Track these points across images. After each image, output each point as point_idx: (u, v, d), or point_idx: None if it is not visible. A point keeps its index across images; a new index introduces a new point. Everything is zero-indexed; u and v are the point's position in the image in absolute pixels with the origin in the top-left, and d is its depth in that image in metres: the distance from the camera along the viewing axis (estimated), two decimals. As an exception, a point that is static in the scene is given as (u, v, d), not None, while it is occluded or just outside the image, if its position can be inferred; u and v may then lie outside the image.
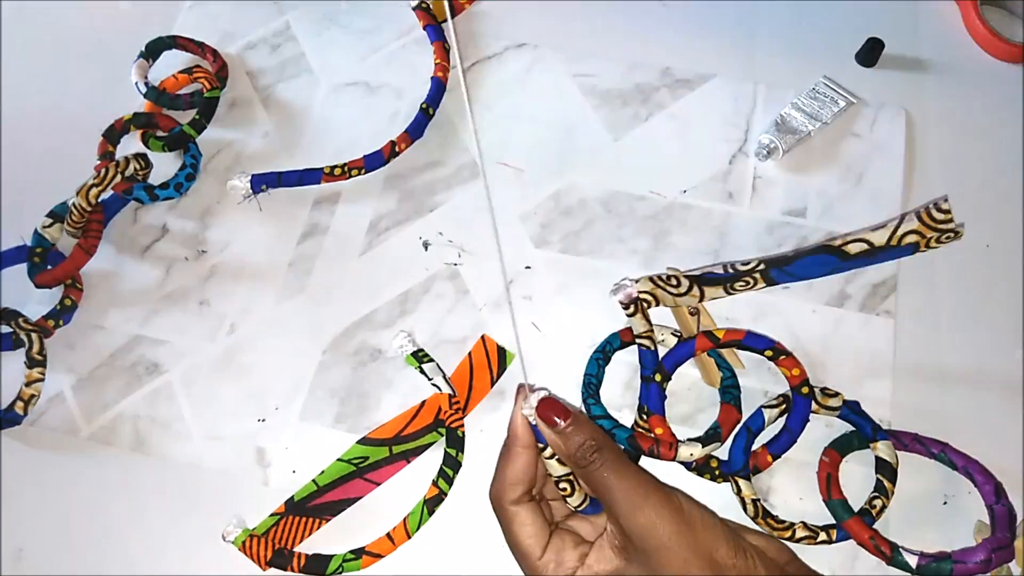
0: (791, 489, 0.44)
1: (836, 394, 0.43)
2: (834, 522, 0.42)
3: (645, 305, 0.39)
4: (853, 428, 0.44)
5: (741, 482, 0.42)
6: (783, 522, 0.42)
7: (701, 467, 0.43)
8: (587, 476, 0.34)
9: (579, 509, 0.36)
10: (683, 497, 0.34)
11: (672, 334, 0.46)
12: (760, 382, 0.47)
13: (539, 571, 0.34)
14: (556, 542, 0.35)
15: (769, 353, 0.42)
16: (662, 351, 0.42)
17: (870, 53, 0.56)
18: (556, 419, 0.34)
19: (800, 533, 0.42)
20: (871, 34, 0.56)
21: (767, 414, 0.43)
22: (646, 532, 0.32)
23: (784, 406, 0.43)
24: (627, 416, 0.46)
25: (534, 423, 0.35)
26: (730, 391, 0.44)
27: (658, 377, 0.40)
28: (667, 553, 0.32)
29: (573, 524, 0.37)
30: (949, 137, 0.55)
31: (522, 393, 0.36)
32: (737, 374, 0.45)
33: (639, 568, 0.33)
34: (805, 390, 0.42)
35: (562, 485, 0.36)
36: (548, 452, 0.35)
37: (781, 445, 0.42)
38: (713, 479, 0.43)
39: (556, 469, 0.36)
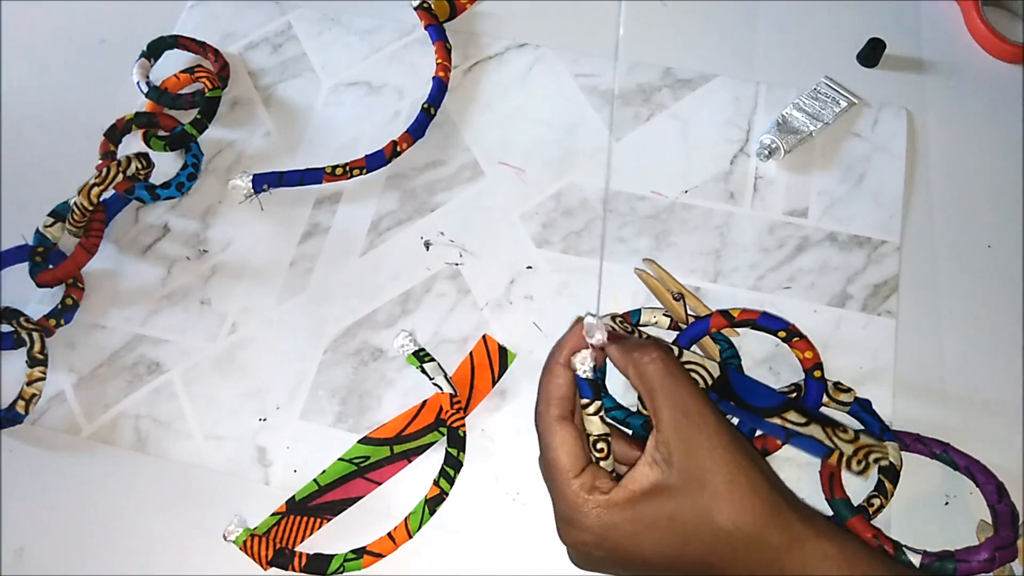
0: (793, 488, 0.44)
1: (849, 389, 0.43)
2: (830, 514, 0.42)
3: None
4: (857, 428, 0.44)
5: None
6: None
7: None
8: (644, 375, 0.34)
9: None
10: None
11: (664, 315, 0.46)
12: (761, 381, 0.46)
13: (572, 488, 0.34)
14: (595, 469, 0.34)
15: (783, 334, 0.42)
16: (656, 332, 0.42)
17: (872, 53, 0.56)
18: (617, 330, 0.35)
19: None
20: (872, 34, 0.56)
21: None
22: (704, 433, 0.32)
23: (795, 395, 0.44)
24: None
25: (582, 375, 0.35)
26: (730, 362, 0.45)
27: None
28: (722, 456, 0.31)
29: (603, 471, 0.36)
30: (950, 137, 0.55)
31: (579, 324, 0.35)
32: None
33: (683, 477, 0.32)
34: (818, 374, 0.42)
35: (599, 446, 0.35)
36: (592, 409, 0.35)
37: None
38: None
39: (597, 427, 0.35)
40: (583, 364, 0.35)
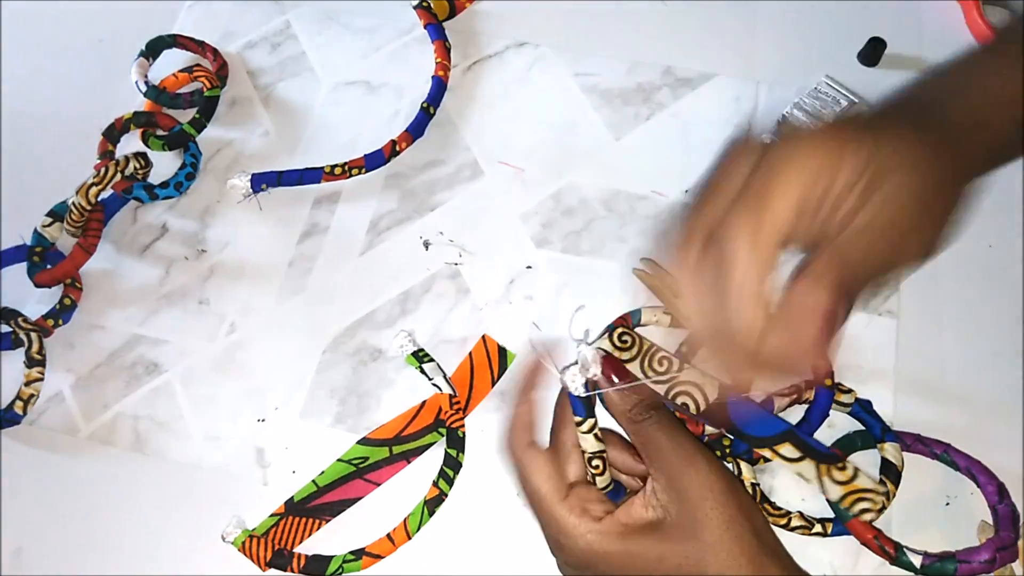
0: (793, 489, 0.44)
1: (849, 391, 0.44)
2: (831, 515, 0.42)
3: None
4: (856, 429, 0.44)
5: (743, 464, 0.42)
6: (780, 509, 0.42)
7: (712, 443, 0.43)
8: (639, 432, 0.34)
9: (604, 491, 0.36)
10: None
11: (665, 313, 0.46)
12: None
13: (561, 512, 0.34)
14: (581, 491, 0.35)
15: None
16: (658, 330, 0.42)
17: (872, 53, 0.56)
18: (614, 377, 0.34)
19: (795, 522, 0.42)
20: (873, 33, 0.56)
21: (778, 402, 0.43)
22: (698, 484, 0.32)
23: (795, 396, 0.43)
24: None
25: (573, 392, 0.34)
26: None
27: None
28: (715, 508, 0.32)
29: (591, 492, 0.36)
30: (951, 137, 0.54)
31: (537, 350, 0.35)
32: None
33: (678, 522, 0.32)
34: (828, 382, 0.42)
35: (595, 463, 0.35)
36: (586, 427, 0.35)
37: None
38: (722, 457, 0.43)
39: (592, 445, 0.35)
40: (574, 382, 0.35)
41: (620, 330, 0.37)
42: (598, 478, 0.35)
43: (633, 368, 0.36)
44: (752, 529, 0.32)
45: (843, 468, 0.35)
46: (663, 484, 0.33)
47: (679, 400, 0.36)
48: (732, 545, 0.31)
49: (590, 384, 0.34)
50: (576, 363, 0.35)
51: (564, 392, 0.35)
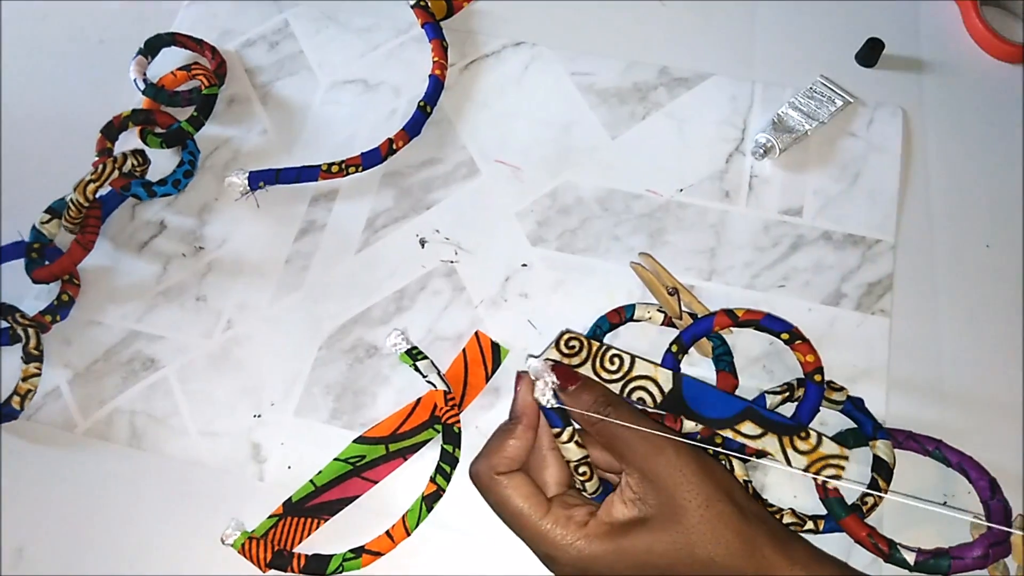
0: (786, 487, 0.44)
1: (841, 388, 0.44)
2: (824, 512, 0.42)
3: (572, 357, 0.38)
4: (848, 426, 0.44)
5: (735, 461, 0.42)
6: (772, 506, 0.42)
7: (705, 439, 0.43)
8: (601, 431, 0.34)
9: (594, 496, 0.36)
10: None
11: (658, 311, 0.46)
12: (755, 379, 0.47)
13: (545, 527, 0.34)
14: (561, 501, 0.35)
15: (786, 336, 0.43)
16: (650, 327, 0.42)
17: (870, 53, 0.56)
18: (567, 383, 0.35)
19: (787, 519, 0.42)
20: (871, 34, 0.56)
21: (770, 400, 0.43)
22: (670, 470, 0.32)
23: (787, 394, 0.44)
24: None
25: (546, 404, 0.35)
26: (723, 359, 0.45)
27: (674, 348, 0.42)
28: (690, 490, 0.32)
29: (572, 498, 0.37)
30: (949, 137, 0.54)
31: (525, 378, 0.36)
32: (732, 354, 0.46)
33: (658, 511, 0.33)
34: (818, 378, 0.42)
35: (581, 469, 0.35)
36: (565, 436, 0.35)
37: None
38: (715, 455, 0.43)
39: (574, 453, 0.35)
40: (544, 395, 0.35)
41: (567, 336, 0.37)
42: (587, 483, 0.36)
43: (585, 371, 0.37)
44: (732, 502, 0.32)
45: (806, 437, 0.35)
46: (636, 477, 0.33)
47: (635, 396, 0.36)
48: (715, 522, 0.32)
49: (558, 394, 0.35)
50: (542, 358, 0.35)
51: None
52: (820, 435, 0.36)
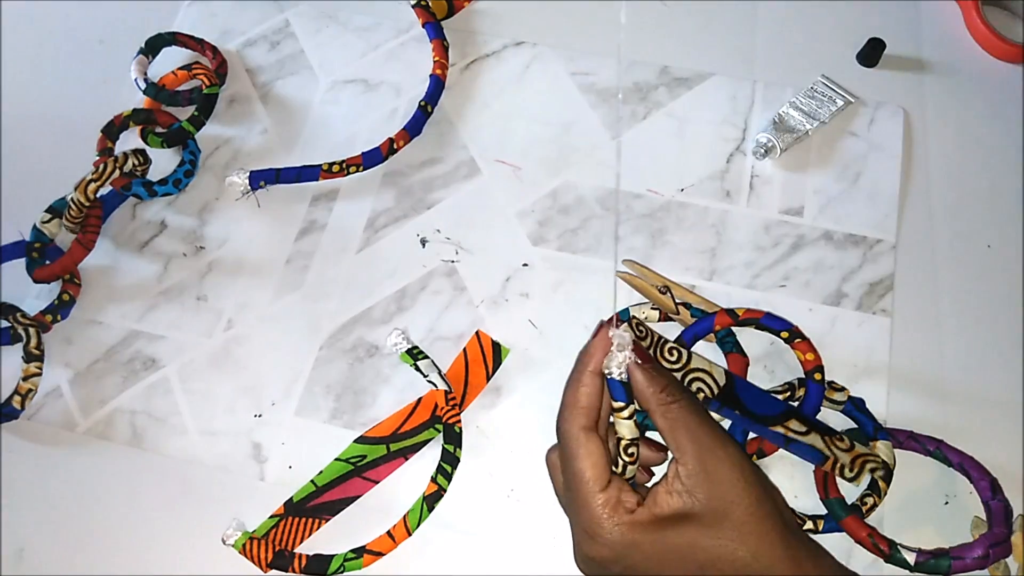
0: (787, 487, 0.44)
1: (842, 388, 0.44)
2: (823, 513, 0.42)
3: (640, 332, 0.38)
4: (849, 426, 0.44)
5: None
6: None
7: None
8: (668, 413, 0.34)
9: (629, 482, 0.36)
10: None
11: (652, 309, 0.46)
12: (756, 380, 0.47)
13: (598, 501, 0.33)
14: (618, 482, 0.34)
15: (785, 335, 0.43)
16: (650, 325, 0.42)
17: (871, 53, 0.56)
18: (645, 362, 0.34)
19: None
20: (872, 34, 0.56)
21: None
22: (729, 464, 0.32)
23: (788, 393, 0.44)
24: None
25: (615, 377, 0.34)
26: (727, 340, 0.45)
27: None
28: (745, 488, 0.32)
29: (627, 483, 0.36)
30: (949, 137, 0.55)
31: (603, 332, 0.35)
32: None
33: (706, 506, 0.32)
34: (818, 376, 0.42)
35: (630, 450, 0.35)
36: (627, 412, 0.34)
37: None
38: None
39: (628, 431, 0.34)
40: (618, 367, 0.35)
41: (635, 321, 0.37)
42: (629, 467, 0.35)
43: None
44: (779, 511, 0.32)
45: (842, 439, 0.39)
46: (690, 468, 0.33)
47: (694, 387, 0.37)
48: (761, 524, 0.31)
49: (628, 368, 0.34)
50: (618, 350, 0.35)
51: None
52: (851, 439, 0.38)
